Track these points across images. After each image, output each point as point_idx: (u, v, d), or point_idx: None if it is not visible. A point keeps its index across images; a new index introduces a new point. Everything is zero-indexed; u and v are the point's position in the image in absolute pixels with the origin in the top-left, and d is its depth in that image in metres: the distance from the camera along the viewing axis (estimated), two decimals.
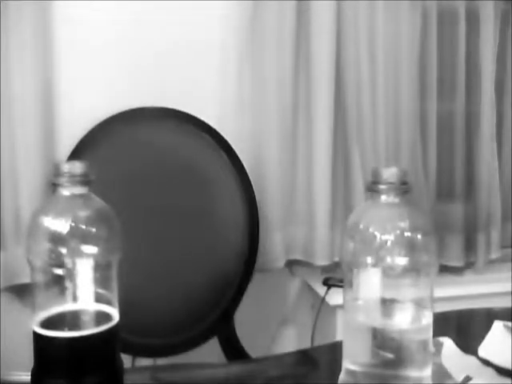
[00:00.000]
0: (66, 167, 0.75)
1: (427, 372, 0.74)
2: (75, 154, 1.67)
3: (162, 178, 1.63)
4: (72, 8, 1.72)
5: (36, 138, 1.69)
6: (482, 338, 0.91)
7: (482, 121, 1.97)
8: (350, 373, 0.75)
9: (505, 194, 2.04)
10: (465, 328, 1.05)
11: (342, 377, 0.76)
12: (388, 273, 0.72)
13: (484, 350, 0.90)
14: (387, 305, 0.74)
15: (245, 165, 1.67)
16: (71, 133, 1.70)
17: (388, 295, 0.74)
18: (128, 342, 1.65)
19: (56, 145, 1.75)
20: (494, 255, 2.03)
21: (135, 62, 1.77)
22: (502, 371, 0.86)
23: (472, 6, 1.93)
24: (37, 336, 0.75)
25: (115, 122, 1.68)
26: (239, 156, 1.66)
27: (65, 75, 1.74)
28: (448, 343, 0.89)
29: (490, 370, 0.85)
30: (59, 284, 0.75)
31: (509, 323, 0.94)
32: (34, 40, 1.68)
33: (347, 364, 0.75)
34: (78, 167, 0.76)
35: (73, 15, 1.73)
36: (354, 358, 0.74)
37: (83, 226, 0.75)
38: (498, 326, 0.94)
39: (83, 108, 1.73)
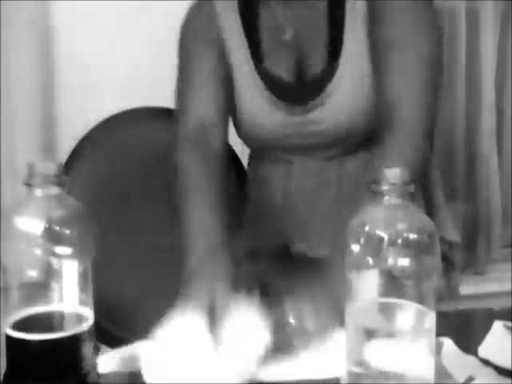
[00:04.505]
0: (40, 168, 0.74)
1: (430, 373, 0.75)
2: (75, 154, 1.67)
3: (161, 178, 1.63)
4: (72, 7, 1.72)
5: (36, 137, 1.70)
6: (482, 337, 0.91)
7: (482, 121, 1.97)
8: (352, 374, 0.75)
9: (505, 194, 2.04)
10: (465, 328, 1.05)
11: (344, 378, 0.76)
12: (391, 274, 0.72)
13: (484, 350, 0.90)
14: (390, 306, 0.74)
15: (245, 164, 1.67)
16: (71, 133, 1.70)
17: (390, 296, 0.74)
18: (128, 341, 1.65)
19: (56, 145, 1.75)
20: (494, 255, 2.03)
21: (135, 62, 1.77)
22: (502, 371, 0.86)
23: (472, 5, 1.93)
24: (9, 338, 0.74)
25: (115, 121, 1.68)
26: (239, 156, 1.66)
27: (65, 75, 1.74)
28: (448, 343, 0.89)
29: (491, 370, 0.85)
30: (33, 286, 0.75)
31: (509, 323, 0.94)
32: (34, 40, 1.68)
33: (349, 366, 0.75)
34: (51, 168, 0.75)
35: (72, 14, 1.73)
36: (356, 360, 0.74)
37: (57, 227, 0.75)
38: (498, 325, 0.94)
39: (83, 108, 1.73)
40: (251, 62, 1.28)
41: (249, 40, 1.28)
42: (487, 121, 1.97)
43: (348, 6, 1.21)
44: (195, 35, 1.33)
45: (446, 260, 1.37)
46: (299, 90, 1.25)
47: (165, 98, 1.72)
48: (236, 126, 1.35)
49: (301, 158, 1.30)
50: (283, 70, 1.26)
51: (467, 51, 1.93)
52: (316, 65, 1.24)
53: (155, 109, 1.69)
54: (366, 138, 1.26)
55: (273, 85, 1.26)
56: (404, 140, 1.17)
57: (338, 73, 1.21)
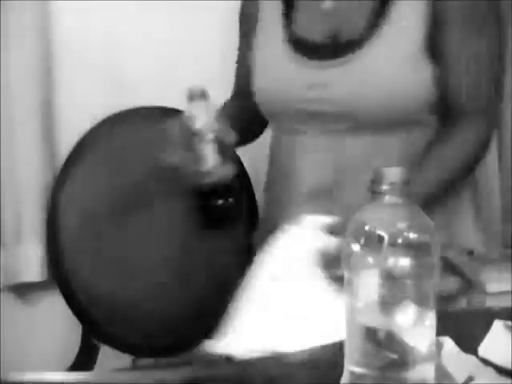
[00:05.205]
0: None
1: (430, 372, 0.75)
2: (75, 154, 1.67)
3: (161, 178, 1.63)
4: (72, 7, 1.72)
5: (36, 137, 1.70)
6: (482, 337, 0.91)
7: None
8: (353, 374, 0.75)
9: (505, 194, 2.04)
10: (465, 328, 1.05)
11: (344, 378, 0.76)
12: (391, 273, 0.72)
13: (484, 349, 0.90)
14: (390, 306, 0.74)
15: (245, 164, 1.67)
16: (71, 133, 1.70)
17: (391, 296, 0.74)
18: (128, 342, 1.65)
19: (56, 145, 1.75)
20: (494, 255, 2.03)
21: (136, 62, 1.77)
22: (502, 371, 0.86)
23: None
24: None
25: (115, 122, 1.68)
26: (239, 155, 1.66)
27: (65, 75, 1.74)
28: (448, 343, 0.89)
29: (491, 370, 0.85)
30: None
31: (509, 322, 0.94)
32: (34, 39, 1.68)
33: (349, 365, 0.75)
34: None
35: (72, 14, 1.73)
36: (357, 360, 0.74)
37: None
38: (498, 325, 0.94)
39: (83, 108, 1.73)
40: (281, 24, 1.27)
41: (284, 4, 1.29)
42: None
43: None
44: None
45: (462, 277, 1.29)
46: (327, 48, 1.22)
47: (165, 98, 1.72)
48: (255, 88, 1.34)
49: (307, 128, 1.25)
50: (316, 35, 1.23)
51: None
52: (354, 30, 1.19)
53: (155, 109, 1.69)
54: (387, 119, 1.20)
55: (299, 44, 1.24)
56: (466, 129, 1.18)
57: (378, 35, 1.16)
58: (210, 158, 1.15)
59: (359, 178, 1.13)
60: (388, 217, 0.74)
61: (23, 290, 1.78)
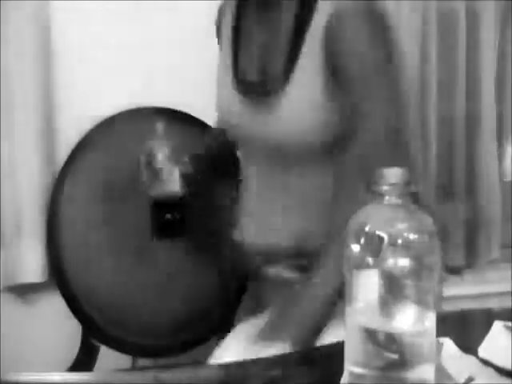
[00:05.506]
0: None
1: (430, 373, 0.75)
2: (75, 154, 1.67)
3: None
4: (71, 8, 1.72)
5: (36, 138, 1.70)
6: (482, 338, 0.91)
7: (483, 121, 1.97)
8: (353, 374, 0.75)
9: (505, 194, 2.04)
10: (465, 328, 1.05)
11: (344, 378, 0.77)
12: (391, 274, 0.72)
13: (484, 350, 0.90)
14: (390, 306, 0.74)
15: None
16: (71, 133, 1.70)
17: (391, 296, 0.74)
18: (128, 342, 1.65)
19: (56, 145, 1.75)
20: (494, 255, 2.03)
21: (135, 62, 1.77)
22: (502, 371, 0.86)
23: (472, 5, 1.93)
24: None
25: (115, 122, 1.68)
26: None
27: (65, 75, 1.74)
28: (448, 343, 0.89)
29: (490, 371, 0.86)
30: None
31: (509, 323, 0.94)
32: (34, 40, 1.68)
33: (349, 366, 0.75)
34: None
35: (72, 15, 1.73)
36: (357, 360, 0.74)
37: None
38: (498, 326, 0.94)
39: (83, 108, 1.73)
40: (231, 65, 1.34)
41: (233, 40, 1.35)
42: (487, 121, 1.97)
43: (312, 24, 1.22)
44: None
45: None
46: (259, 88, 1.30)
47: (164, 98, 1.73)
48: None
49: (254, 159, 1.33)
50: (251, 75, 1.32)
51: (467, 51, 1.93)
52: (275, 74, 1.26)
53: (155, 109, 1.69)
54: (306, 155, 1.27)
55: (240, 82, 1.32)
56: (365, 154, 1.19)
57: (292, 79, 1.23)
58: (170, 181, 1.41)
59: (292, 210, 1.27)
60: (388, 217, 0.74)
61: (23, 291, 1.78)
